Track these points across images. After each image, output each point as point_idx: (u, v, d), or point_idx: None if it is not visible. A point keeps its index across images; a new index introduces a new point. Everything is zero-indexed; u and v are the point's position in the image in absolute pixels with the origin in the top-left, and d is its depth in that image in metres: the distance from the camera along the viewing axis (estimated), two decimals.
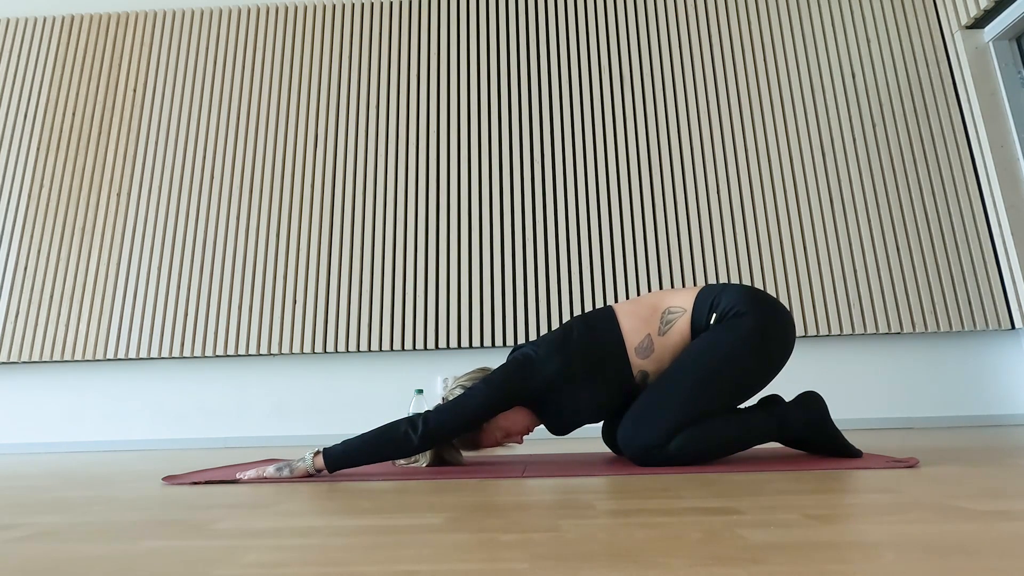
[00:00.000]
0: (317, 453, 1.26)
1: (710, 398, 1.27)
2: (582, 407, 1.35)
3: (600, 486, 1.02)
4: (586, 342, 1.34)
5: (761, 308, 1.30)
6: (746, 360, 1.28)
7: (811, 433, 1.34)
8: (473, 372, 1.48)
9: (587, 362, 1.32)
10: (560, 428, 1.40)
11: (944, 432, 2.23)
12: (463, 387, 1.43)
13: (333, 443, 1.30)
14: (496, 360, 2.81)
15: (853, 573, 0.48)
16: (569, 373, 1.32)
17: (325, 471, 1.26)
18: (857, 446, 1.39)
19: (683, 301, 1.36)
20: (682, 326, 1.33)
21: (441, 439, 1.29)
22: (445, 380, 2.84)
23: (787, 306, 2.75)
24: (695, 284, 2.81)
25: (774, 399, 1.42)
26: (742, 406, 1.40)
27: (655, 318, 1.35)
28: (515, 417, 1.39)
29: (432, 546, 0.61)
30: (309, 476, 1.26)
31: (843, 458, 1.31)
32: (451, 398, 1.41)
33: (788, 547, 0.56)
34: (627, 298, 2.80)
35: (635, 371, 1.34)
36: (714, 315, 1.31)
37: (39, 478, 1.48)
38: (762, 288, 2.79)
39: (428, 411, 1.30)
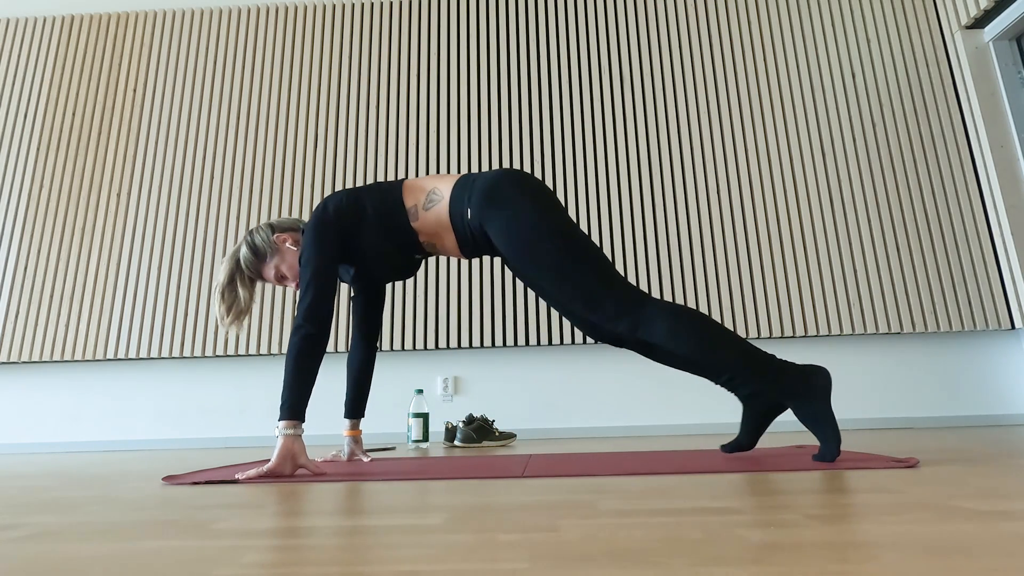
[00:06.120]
0: (278, 424, 1.32)
1: (573, 256, 1.40)
2: (378, 252, 1.48)
3: (600, 486, 1.02)
4: (373, 193, 1.48)
5: (505, 175, 1.41)
6: (538, 214, 1.40)
7: (801, 404, 1.25)
8: (285, 219, 1.59)
9: (376, 212, 1.45)
10: (367, 276, 1.60)
11: (944, 432, 2.23)
12: (261, 232, 1.54)
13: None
14: (497, 357, 2.82)
15: (853, 573, 0.48)
16: (362, 216, 1.45)
17: (297, 424, 1.32)
18: (857, 446, 1.38)
19: (444, 189, 1.47)
20: (440, 210, 1.44)
21: (320, 317, 1.37)
22: (445, 380, 2.84)
23: (787, 306, 2.76)
24: (694, 281, 2.81)
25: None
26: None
27: (422, 195, 1.47)
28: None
29: (432, 546, 0.61)
30: (301, 466, 1.29)
31: (819, 444, 1.21)
32: (250, 239, 1.53)
33: (788, 547, 0.56)
34: None
35: (413, 224, 1.46)
36: (470, 211, 1.40)
37: (39, 478, 1.48)
38: (762, 288, 2.79)
39: (296, 311, 1.38)
